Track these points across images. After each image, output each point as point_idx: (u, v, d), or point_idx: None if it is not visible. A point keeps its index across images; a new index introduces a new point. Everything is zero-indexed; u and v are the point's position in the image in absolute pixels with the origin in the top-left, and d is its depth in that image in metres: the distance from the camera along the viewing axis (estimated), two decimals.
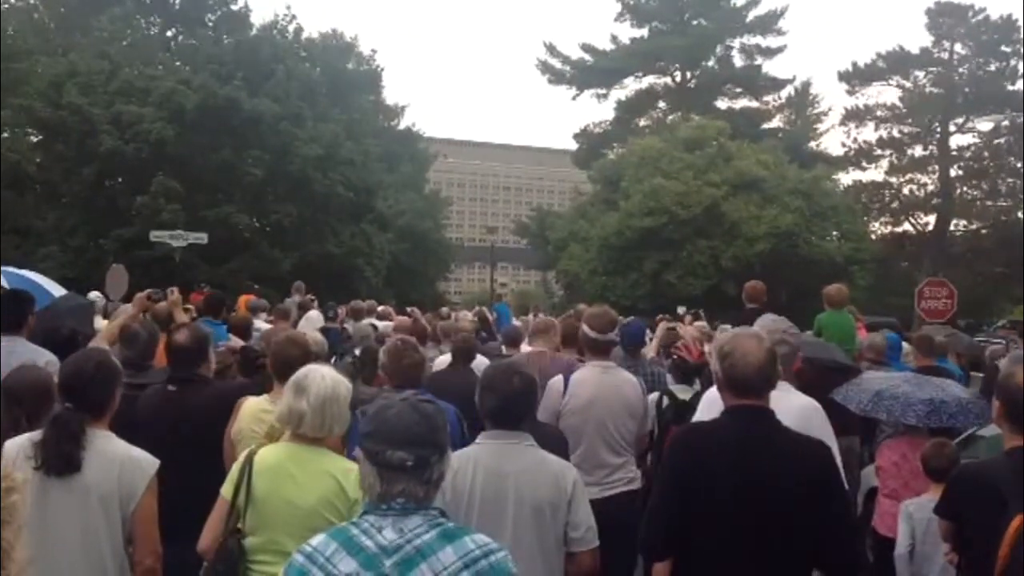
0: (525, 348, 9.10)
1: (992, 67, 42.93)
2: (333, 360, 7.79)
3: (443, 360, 7.44)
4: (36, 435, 3.36)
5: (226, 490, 3.55)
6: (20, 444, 3.37)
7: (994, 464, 3.43)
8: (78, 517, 3.33)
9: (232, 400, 4.69)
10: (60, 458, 3.30)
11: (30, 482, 3.22)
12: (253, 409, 4.45)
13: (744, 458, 3.13)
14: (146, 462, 3.46)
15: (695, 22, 48.02)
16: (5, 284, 7.80)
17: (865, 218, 40.79)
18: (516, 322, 14.30)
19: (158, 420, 4.43)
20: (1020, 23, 41.54)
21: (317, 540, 2.28)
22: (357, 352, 7.45)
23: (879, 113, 45.38)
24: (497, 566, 2.23)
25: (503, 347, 8.95)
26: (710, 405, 4.09)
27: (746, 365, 3.19)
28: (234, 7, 38.54)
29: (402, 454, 2.23)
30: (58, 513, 3.32)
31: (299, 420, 3.47)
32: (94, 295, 11.27)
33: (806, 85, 50.79)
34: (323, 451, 3.52)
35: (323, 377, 3.56)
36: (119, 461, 3.40)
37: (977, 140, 44.31)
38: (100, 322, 8.71)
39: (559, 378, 5.26)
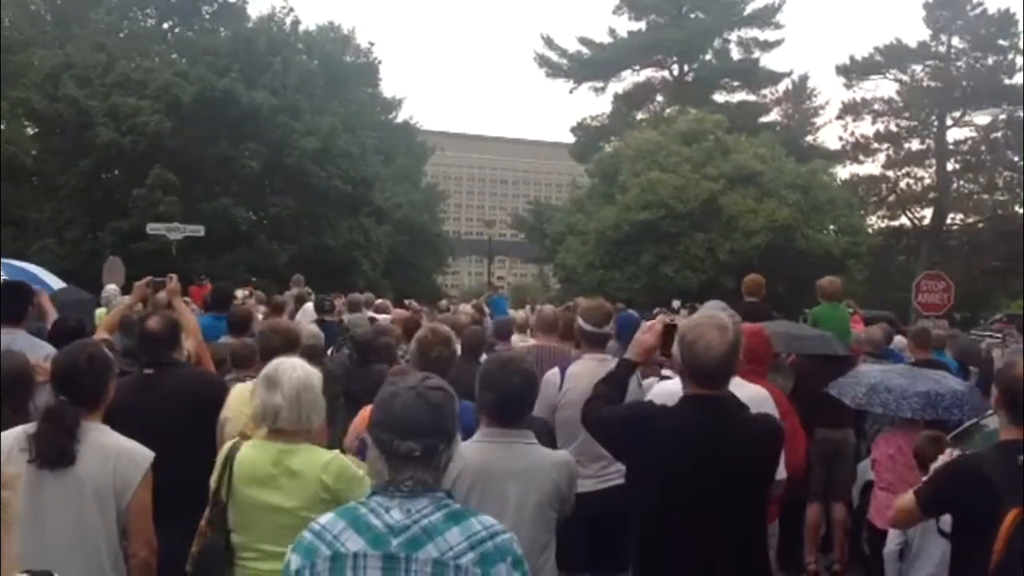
0: (524, 341, 9.15)
1: (990, 61, 42.91)
2: (330, 352, 7.81)
3: None
4: (30, 427, 3.35)
5: (213, 480, 3.56)
6: (15, 436, 3.36)
7: (987, 456, 3.42)
8: (73, 510, 3.32)
9: (209, 384, 4.81)
10: (54, 451, 3.29)
11: (24, 475, 3.22)
12: (241, 391, 4.50)
13: (698, 447, 3.20)
14: (141, 455, 3.45)
15: (693, 15, 47.88)
16: (5, 276, 7.83)
17: (862, 212, 40.70)
18: (514, 314, 14.32)
19: (135, 403, 4.41)
20: (1018, 17, 41.59)
21: (326, 518, 2.32)
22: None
23: (876, 107, 45.38)
24: (502, 547, 2.25)
25: (495, 340, 8.97)
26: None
27: (708, 357, 3.21)
28: None
29: (410, 444, 2.24)
30: (52, 506, 3.31)
31: (275, 415, 3.43)
32: (110, 289, 11.20)
33: (804, 79, 50.77)
34: (302, 447, 3.48)
35: (294, 368, 3.52)
36: (113, 453, 3.39)
37: (974, 134, 44.33)
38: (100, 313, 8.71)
39: (555, 371, 5.27)
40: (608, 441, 3.65)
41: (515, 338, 9.29)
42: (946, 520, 3.94)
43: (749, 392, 4.13)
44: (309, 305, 11.72)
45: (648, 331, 3.88)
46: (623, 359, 3.98)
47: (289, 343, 4.74)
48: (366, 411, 4.19)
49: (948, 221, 44.53)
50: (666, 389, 4.33)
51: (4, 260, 9.72)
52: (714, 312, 3.56)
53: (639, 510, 3.42)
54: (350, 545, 2.22)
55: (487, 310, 14.53)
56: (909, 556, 5.06)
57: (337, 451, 3.62)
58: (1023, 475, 3.13)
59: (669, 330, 3.87)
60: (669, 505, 3.26)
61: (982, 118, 43.62)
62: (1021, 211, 41.05)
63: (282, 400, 3.42)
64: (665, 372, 6.15)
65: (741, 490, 3.21)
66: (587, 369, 5.26)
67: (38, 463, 3.29)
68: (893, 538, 5.11)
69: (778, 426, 3.48)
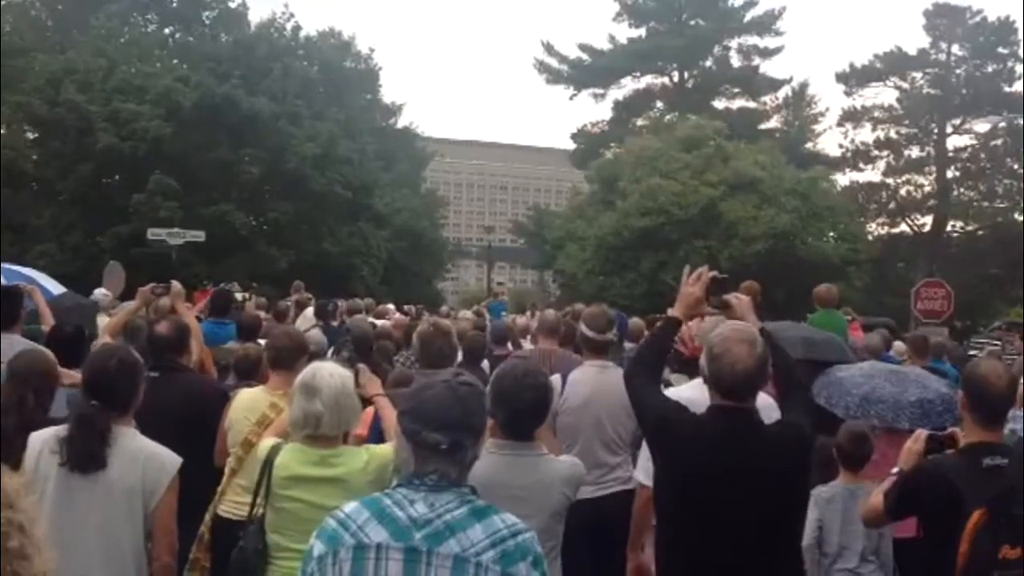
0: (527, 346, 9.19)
1: (989, 69, 42.91)
2: (330, 354, 7.83)
3: None
4: (61, 430, 3.40)
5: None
6: (44, 439, 3.41)
7: (952, 460, 3.43)
8: (101, 513, 3.36)
9: (211, 389, 4.91)
10: (85, 455, 3.34)
11: (55, 478, 3.30)
12: (246, 398, 4.57)
13: (720, 459, 3.23)
14: (169, 460, 3.49)
15: (693, 22, 47.96)
16: (4, 281, 7.83)
17: (862, 219, 40.72)
18: (511, 319, 14.33)
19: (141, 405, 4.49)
20: (1018, 25, 41.62)
21: (350, 507, 2.34)
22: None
23: (876, 114, 45.31)
24: (523, 545, 2.27)
25: (493, 346, 8.98)
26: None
27: (733, 373, 3.22)
28: (231, 5, 38.61)
29: (437, 436, 2.27)
30: (81, 509, 3.35)
31: (316, 422, 3.47)
32: (99, 292, 11.24)
33: (803, 86, 50.75)
34: (341, 451, 3.54)
35: (331, 374, 3.57)
36: (143, 458, 3.44)
37: (974, 142, 44.27)
38: (103, 320, 8.70)
39: (556, 377, 5.25)
40: (641, 425, 3.77)
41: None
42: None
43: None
44: (309, 310, 11.75)
45: (694, 283, 3.83)
46: (668, 316, 3.92)
47: (299, 348, 4.76)
48: (368, 413, 4.20)
49: (948, 228, 44.44)
50: (676, 397, 4.32)
51: (4, 265, 9.71)
52: (742, 325, 3.51)
53: (662, 513, 3.47)
54: (373, 536, 2.25)
55: (487, 316, 14.54)
56: (830, 550, 4.96)
57: (367, 446, 3.69)
58: (988, 479, 3.17)
59: (716, 281, 3.83)
60: (689, 512, 3.29)
61: (982, 126, 43.62)
62: (1021, 219, 41.02)
63: (322, 407, 3.46)
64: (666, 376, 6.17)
65: (764, 503, 3.21)
66: (588, 376, 5.27)
67: (69, 467, 3.33)
68: (809, 532, 5.05)
69: (805, 439, 3.44)
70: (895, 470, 3.71)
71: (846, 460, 5.09)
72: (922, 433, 3.61)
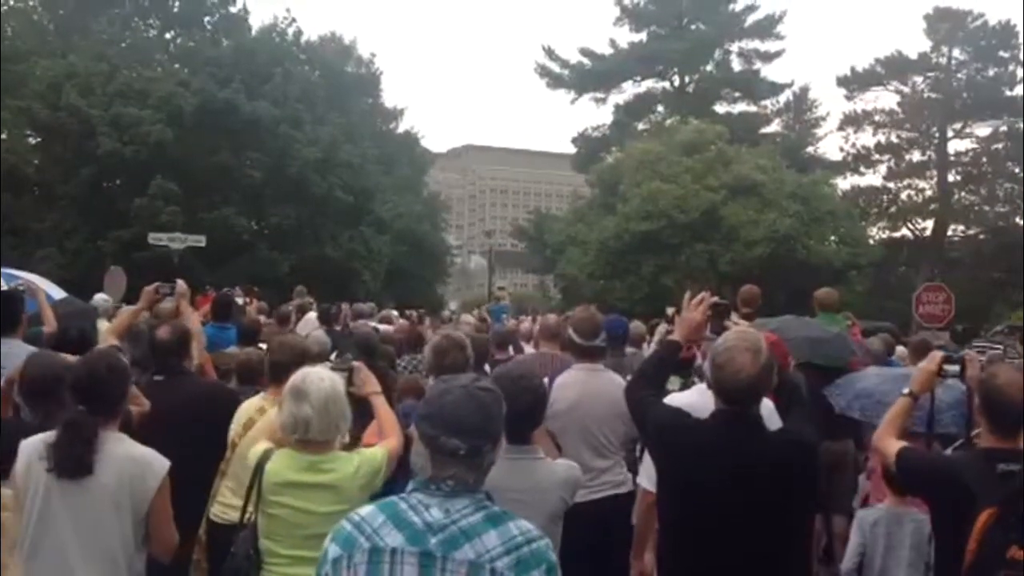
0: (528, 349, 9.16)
1: (990, 72, 43.02)
2: (333, 357, 7.82)
3: None
4: (49, 437, 3.38)
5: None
6: (33, 446, 3.40)
7: (967, 460, 3.48)
8: (91, 518, 3.35)
9: (213, 393, 4.94)
10: (72, 461, 3.33)
11: (43, 484, 3.30)
12: (245, 406, 4.57)
13: (723, 463, 3.24)
14: (158, 463, 3.48)
15: (693, 26, 48.03)
16: (4, 285, 7.82)
17: (863, 223, 40.73)
18: (510, 322, 14.31)
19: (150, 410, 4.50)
20: (1018, 28, 41.76)
21: (366, 510, 2.35)
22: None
23: (877, 118, 45.46)
24: (538, 553, 2.28)
25: (495, 350, 8.95)
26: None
27: (736, 381, 3.24)
28: (233, 9, 38.59)
29: (456, 442, 2.26)
30: (71, 515, 3.35)
31: (305, 426, 3.45)
32: (99, 297, 11.24)
33: (804, 90, 50.95)
34: (332, 456, 3.52)
35: (321, 379, 3.55)
36: (131, 463, 3.43)
37: (975, 145, 44.42)
38: (104, 325, 8.69)
39: (544, 381, 5.22)
40: (642, 435, 3.84)
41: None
42: None
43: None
44: (312, 315, 11.75)
45: (695, 308, 3.86)
46: (669, 340, 3.97)
47: (297, 359, 4.73)
48: (372, 430, 4.16)
49: (949, 233, 44.53)
50: (676, 402, 4.31)
51: (4, 269, 9.71)
52: (747, 332, 3.52)
53: (665, 519, 3.50)
54: (389, 540, 2.25)
55: (489, 320, 14.53)
56: (870, 575, 4.86)
57: (359, 449, 3.69)
58: (1001, 482, 3.19)
59: (717, 307, 3.83)
60: (693, 518, 3.30)
61: (983, 130, 43.77)
62: (1021, 223, 41.06)
63: (311, 411, 3.44)
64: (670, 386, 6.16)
65: (768, 508, 3.22)
66: (577, 379, 5.20)
67: (57, 473, 3.32)
68: (850, 556, 4.94)
69: (808, 444, 3.45)
70: (905, 391, 3.77)
71: (894, 483, 5.02)
72: (936, 354, 3.69)
